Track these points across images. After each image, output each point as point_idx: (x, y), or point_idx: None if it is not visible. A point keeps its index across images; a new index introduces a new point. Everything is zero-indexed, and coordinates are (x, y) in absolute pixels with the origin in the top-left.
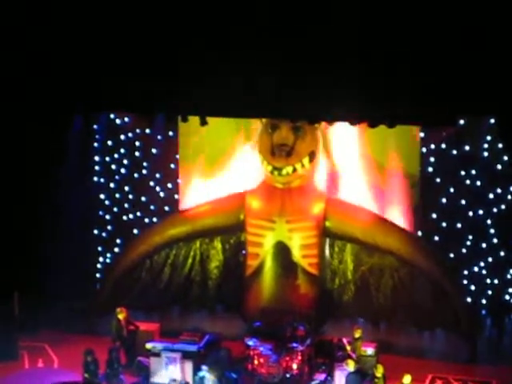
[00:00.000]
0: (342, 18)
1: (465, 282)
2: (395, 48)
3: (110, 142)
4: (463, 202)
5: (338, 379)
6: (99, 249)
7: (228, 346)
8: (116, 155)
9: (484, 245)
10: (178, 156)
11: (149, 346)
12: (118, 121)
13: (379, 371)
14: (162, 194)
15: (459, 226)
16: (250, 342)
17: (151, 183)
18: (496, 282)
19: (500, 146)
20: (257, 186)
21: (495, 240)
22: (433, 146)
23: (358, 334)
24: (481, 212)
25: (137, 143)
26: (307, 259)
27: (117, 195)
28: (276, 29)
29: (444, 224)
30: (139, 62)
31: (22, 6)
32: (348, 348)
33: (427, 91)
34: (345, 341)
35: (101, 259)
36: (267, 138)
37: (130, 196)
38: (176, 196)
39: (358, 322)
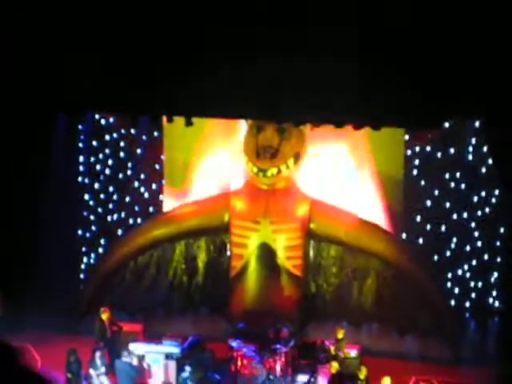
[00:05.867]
0: (326, 20)
1: (449, 284)
2: (380, 50)
3: (94, 143)
4: (447, 204)
5: (321, 381)
6: (83, 249)
7: (211, 348)
8: (101, 156)
9: (468, 248)
10: (162, 157)
11: (132, 346)
12: (102, 121)
13: (363, 373)
14: (146, 195)
15: (443, 228)
16: (234, 344)
17: (136, 184)
18: (480, 285)
19: (485, 149)
20: (241, 187)
21: (479, 243)
22: (417, 149)
23: (340, 335)
24: (465, 215)
25: (121, 144)
26: (291, 261)
27: (101, 196)
28: (262, 30)
29: (428, 227)
30: (123, 62)
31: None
32: (332, 349)
33: (413, 93)
34: (327, 343)
35: (85, 259)
36: (252, 139)
37: (115, 197)
38: (160, 197)
39: (342, 323)
